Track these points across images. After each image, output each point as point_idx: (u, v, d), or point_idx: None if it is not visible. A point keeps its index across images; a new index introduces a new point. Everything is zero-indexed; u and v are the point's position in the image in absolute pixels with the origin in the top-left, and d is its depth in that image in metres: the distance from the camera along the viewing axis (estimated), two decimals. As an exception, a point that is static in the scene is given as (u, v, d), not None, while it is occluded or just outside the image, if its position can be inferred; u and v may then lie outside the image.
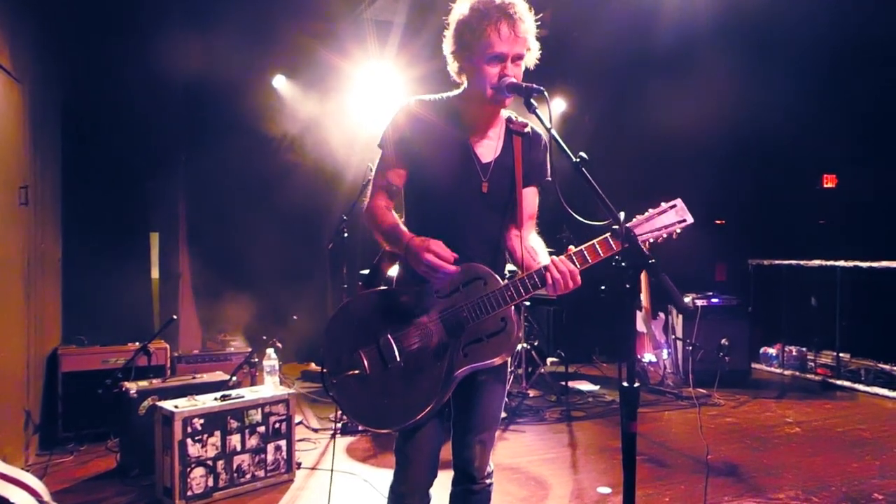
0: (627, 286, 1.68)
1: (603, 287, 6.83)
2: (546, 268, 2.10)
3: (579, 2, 7.16)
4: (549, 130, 2.01)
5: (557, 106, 8.36)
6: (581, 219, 2.01)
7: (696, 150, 8.03)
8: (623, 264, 1.73)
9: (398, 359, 2.15)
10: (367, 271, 2.40)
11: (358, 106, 7.40)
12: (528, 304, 6.44)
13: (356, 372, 2.15)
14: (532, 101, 2.09)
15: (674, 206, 2.20)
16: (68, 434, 4.81)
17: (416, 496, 2.34)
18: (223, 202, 7.07)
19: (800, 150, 8.65)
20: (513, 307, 2.15)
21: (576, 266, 2.10)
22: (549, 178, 2.35)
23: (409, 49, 7.29)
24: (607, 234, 2.08)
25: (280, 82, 7.53)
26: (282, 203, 7.33)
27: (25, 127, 4.38)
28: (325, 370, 2.21)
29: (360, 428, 5.11)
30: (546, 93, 2.05)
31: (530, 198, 2.34)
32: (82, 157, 5.84)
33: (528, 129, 2.33)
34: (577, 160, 1.89)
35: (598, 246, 2.10)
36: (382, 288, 2.26)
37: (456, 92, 2.30)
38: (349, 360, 2.16)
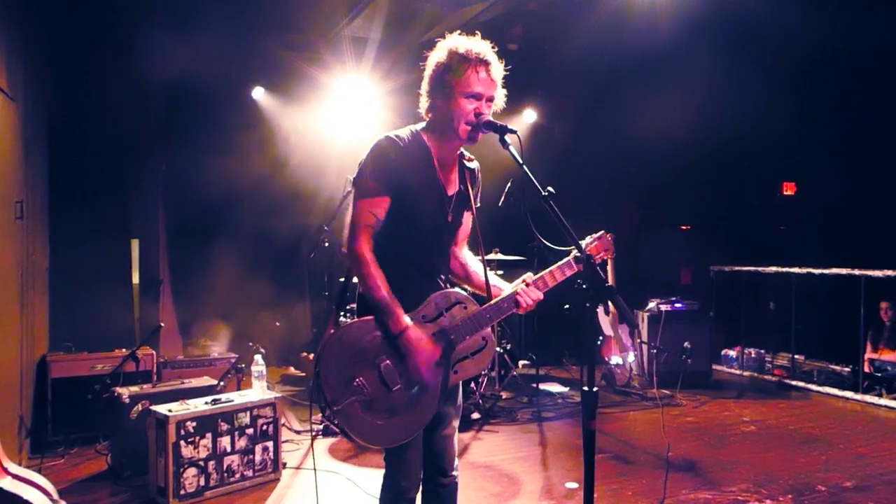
0: (588, 304, 1.98)
1: (567, 306, 7.14)
2: (518, 293, 2.47)
3: (549, 15, 7.50)
4: (521, 166, 2.30)
5: (528, 117, 8.70)
6: (549, 244, 2.32)
7: (663, 158, 8.36)
8: (584, 287, 2.03)
9: (399, 381, 2.33)
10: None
11: (335, 117, 7.67)
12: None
13: (359, 398, 2.29)
14: (505, 138, 2.40)
15: (600, 236, 2.62)
16: (58, 438, 4.99)
17: (415, 488, 2.53)
18: (203, 210, 7.23)
19: (761, 158, 9.07)
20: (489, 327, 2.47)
21: (541, 290, 2.49)
22: (479, 206, 2.66)
23: (384, 64, 7.59)
24: (568, 259, 2.49)
25: (259, 94, 7.75)
26: (261, 211, 7.54)
27: (19, 144, 4.58)
28: (326, 400, 2.29)
29: (339, 430, 5.37)
30: (518, 133, 2.36)
31: (471, 222, 2.65)
32: (67, 169, 6.03)
33: (475, 164, 2.63)
34: (546, 194, 2.19)
35: (556, 272, 2.52)
36: (369, 318, 2.36)
37: (420, 126, 2.50)
38: (349, 388, 2.29)
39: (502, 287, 2.60)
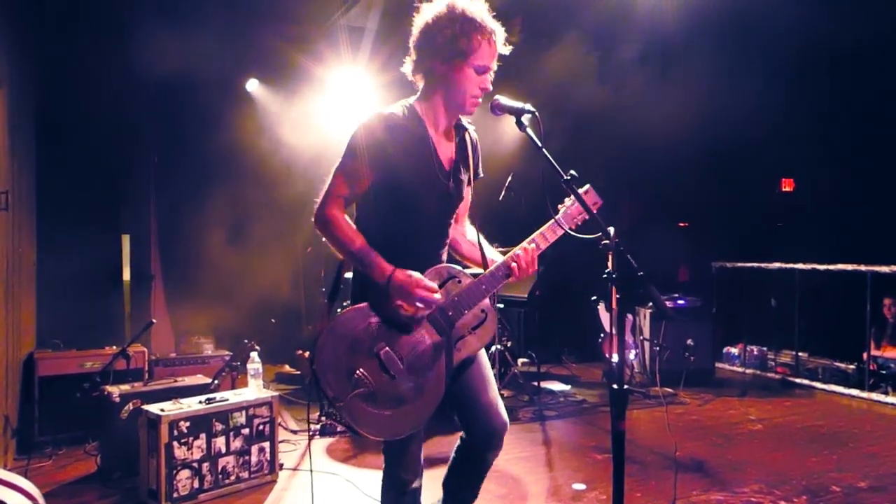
0: (618, 296, 1.83)
1: (594, 297, 7.05)
2: (513, 258, 2.32)
3: (549, 7, 7.36)
4: (540, 149, 2.16)
5: (525, 126, 8.55)
6: (574, 233, 2.16)
7: (661, 154, 8.25)
8: (614, 276, 1.88)
9: (402, 366, 2.23)
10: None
11: (330, 109, 7.50)
12: (501, 306, 6.61)
13: (362, 391, 2.19)
14: (522, 120, 2.25)
15: (587, 191, 2.45)
16: (45, 438, 4.82)
17: (417, 479, 2.46)
18: (195, 204, 7.09)
19: (760, 154, 8.96)
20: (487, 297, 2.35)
21: (533, 254, 2.35)
22: (482, 175, 2.54)
23: (381, 54, 7.42)
24: (552, 221, 2.38)
25: (253, 86, 7.58)
26: (255, 205, 7.39)
27: (5, 132, 4.39)
28: (328, 397, 2.21)
29: (338, 429, 5.23)
30: (537, 114, 2.21)
31: (470, 194, 2.51)
32: (55, 160, 5.85)
33: (473, 130, 2.48)
34: (568, 178, 2.04)
35: (546, 233, 2.40)
36: (361, 305, 2.26)
37: (413, 99, 2.36)
38: (350, 381, 2.18)
39: (498, 260, 2.43)
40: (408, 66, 2.35)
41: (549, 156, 2.13)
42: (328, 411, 5.31)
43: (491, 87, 2.31)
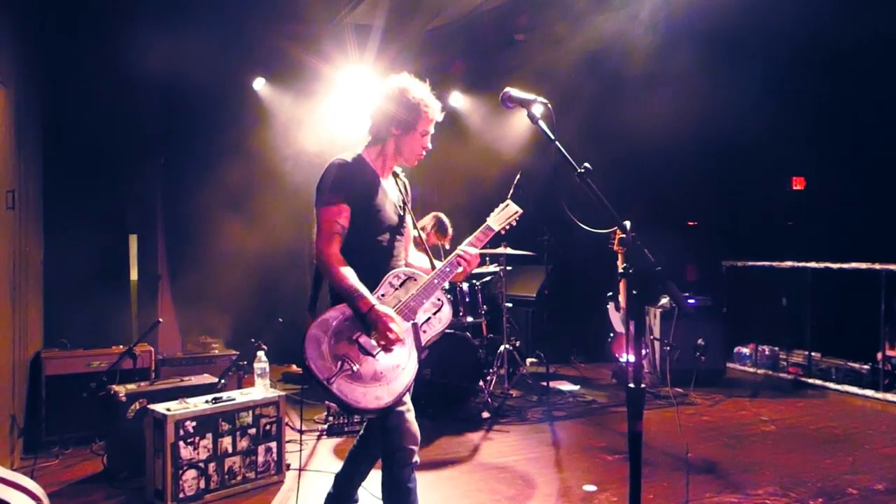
0: (634, 292, 1.77)
1: (610, 293, 7.01)
2: (458, 255, 2.93)
3: (556, 5, 7.31)
4: (553, 141, 2.11)
5: (533, 110, 8.49)
6: (587, 228, 2.11)
7: (668, 152, 8.19)
8: (630, 271, 1.83)
9: (379, 349, 2.68)
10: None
11: (337, 109, 7.47)
12: (509, 305, 6.56)
13: (348, 370, 2.60)
14: (533, 112, 2.21)
15: (508, 204, 3.20)
16: (52, 438, 4.80)
17: (417, 450, 2.84)
18: (202, 204, 7.06)
19: (769, 152, 8.87)
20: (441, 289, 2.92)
21: (475, 251, 2.97)
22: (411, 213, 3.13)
23: (389, 52, 7.38)
24: (485, 224, 3.06)
25: (259, 85, 7.55)
26: (261, 205, 7.36)
27: (11, 131, 4.37)
28: (319, 380, 2.57)
29: (346, 429, 5.20)
30: (549, 105, 2.16)
31: (411, 225, 3.15)
32: (62, 160, 5.83)
33: (404, 176, 3.13)
34: (582, 170, 1.99)
35: (479, 234, 3.04)
36: (340, 305, 2.73)
37: (361, 150, 2.93)
38: (337, 363, 2.60)
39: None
40: (366, 125, 2.97)
41: (562, 148, 2.08)
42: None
43: (430, 146, 2.94)
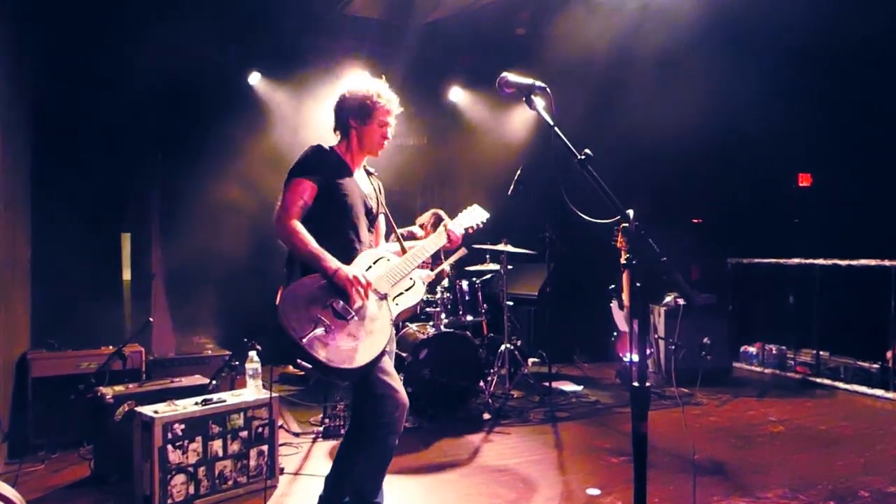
0: (638, 284, 1.65)
1: (612, 286, 6.89)
2: (447, 229, 3.36)
3: (555, 1, 7.20)
4: (552, 127, 2.00)
5: (539, 104, 8.38)
6: (588, 218, 1.99)
7: (672, 149, 8.07)
8: (634, 263, 1.70)
9: (353, 314, 2.83)
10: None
11: (336, 103, 7.33)
12: (510, 303, 6.45)
13: (322, 330, 2.71)
14: (532, 97, 2.10)
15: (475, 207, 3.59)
16: (39, 441, 4.68)
17: (405, 415, 3.02)
18: (198, 202, 6.96)
19: (775, 148, 8.75)
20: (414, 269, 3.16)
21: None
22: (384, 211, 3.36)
23: (388, 46, 7.26)
24: (442, 226, 3.39)
25: (256, 80, 7.44)
26: (258, 202, 7.24)
27: (-2, 127, 4.26)
28: (293, 338, 2.65)
29: (342, 432, 5.08)
30: (548, 89, 2.04)
31: (384, 222, 3.42)
32: (52, 157, 5.73)
33: (376, 173, 3.38)
34: (583, 157, 1.87)
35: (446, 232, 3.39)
36: (314, 274, 2.85)
37: (333, 144, 3.17)
38: (311, 323, 2.72)
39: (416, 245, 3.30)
40: (339, 125, 3.20)
41: (561, 134, 1.96)
42: (330, 412, 5.18)
43: (391, 137, 3.19)
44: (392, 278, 3.07)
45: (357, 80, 3.24)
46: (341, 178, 3.08)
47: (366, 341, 2.82)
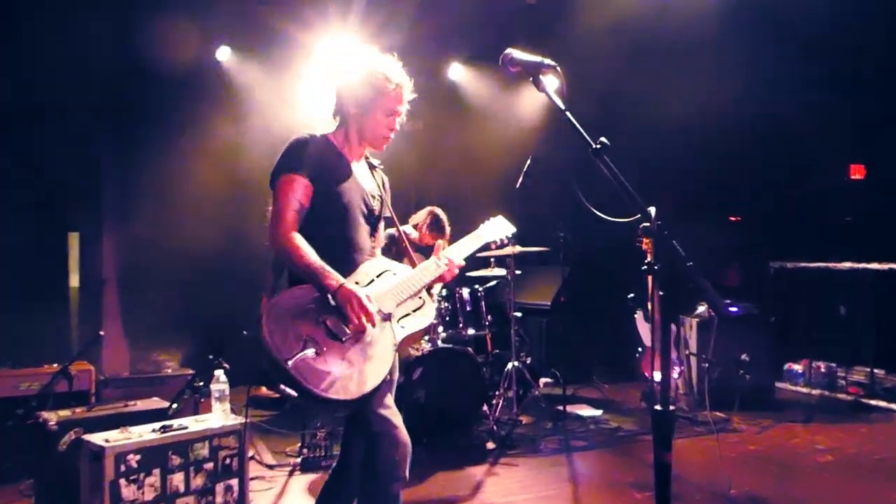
0: (661, 293, 1.65)
1: (631, 295, 6.90)
2: (448, 259, 3.08)
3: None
4: (563, 111, 2.01)
5: (548, 84, 8.41)
6: (605, 216, 2.00)
7: (705, 136, 8.11)
8: (656, 267, 1.71)
9: (349, 333, 2.67)
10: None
11: (316, 83, 7.38)
12: (519, 314, 6.46)
13: (312, 351, 2.57)
14: (540, 77, 2.13)
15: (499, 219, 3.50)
16: (-29, 475, 4.70)
17: (409, 457, 2.89)
18: (156, 198, 7.00)
19: (822, 136, 8.76)
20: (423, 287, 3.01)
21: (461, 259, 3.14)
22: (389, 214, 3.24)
23: (376, 17, 7.29)
24: (475, 232, 3.34)
25: (224, 55, 7.47)
26: (226, 197, 7.26)
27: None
28: (277, 360, 2.51)
29: (322, 463, 5.10)
30: (559, 68, 2.06)
31: (383, 227, 3.25)
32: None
33: (381, 166, 3.24)
34: (598, 146, 1.87)
35: (468, 242, 3.27)
36: (305, 285, 2.73)
37: (330, 132, 3.03)
38: (299, 343, 2.57)
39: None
40: (337, 110, 3.05)
41: (573, 120, 1.97)
42: (309, 441, 5.18)
43: (398, 128, 3.03)
44: (398, 296, 2.91)
45: (360, 56, 3.04)
46: (337, 172, 2.94)
47: (364, 368, 2.68)
